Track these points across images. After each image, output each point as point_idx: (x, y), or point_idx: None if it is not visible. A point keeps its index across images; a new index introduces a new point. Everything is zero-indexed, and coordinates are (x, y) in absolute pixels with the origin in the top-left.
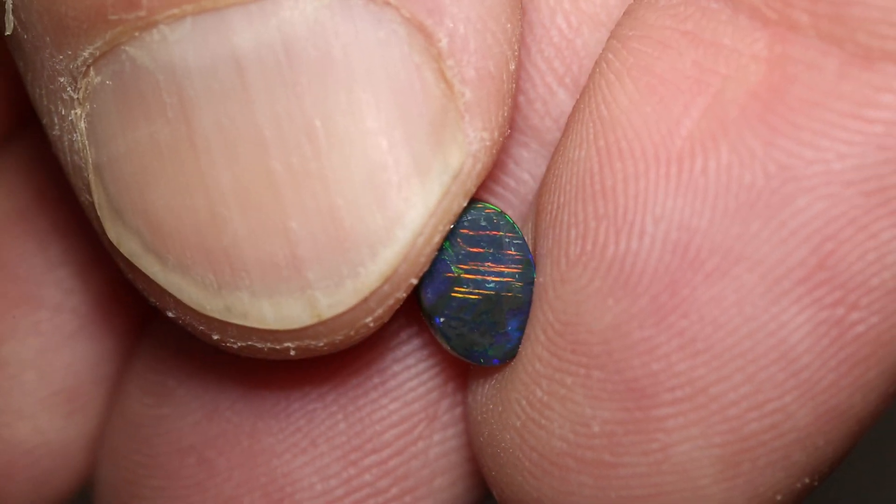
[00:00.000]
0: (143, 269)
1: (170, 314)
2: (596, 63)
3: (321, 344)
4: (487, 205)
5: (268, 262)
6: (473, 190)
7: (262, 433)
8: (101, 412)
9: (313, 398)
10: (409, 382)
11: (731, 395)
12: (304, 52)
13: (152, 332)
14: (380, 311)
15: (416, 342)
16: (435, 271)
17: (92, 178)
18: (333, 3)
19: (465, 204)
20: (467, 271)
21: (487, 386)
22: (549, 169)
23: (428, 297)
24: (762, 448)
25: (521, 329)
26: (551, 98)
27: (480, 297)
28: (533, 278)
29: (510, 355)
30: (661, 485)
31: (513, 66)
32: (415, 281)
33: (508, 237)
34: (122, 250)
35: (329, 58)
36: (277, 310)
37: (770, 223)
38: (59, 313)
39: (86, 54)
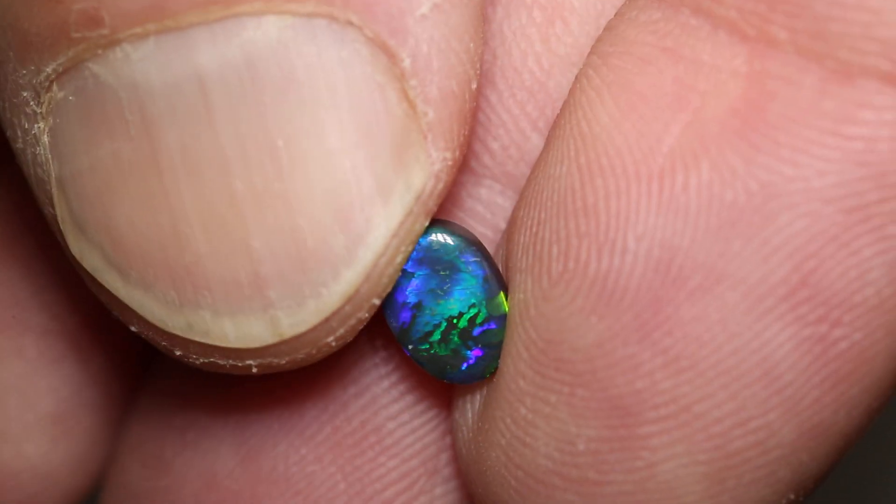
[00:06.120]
0: (105, 285)
1: (133, 328)
2: (576, 79)
3: (283, 362)
4: (434, 229)
5: (230, 281)
6: (434, 209)
7: (262, 498)
8: (87, 436)
9: (310, 461)
10: (405, 439)
11: (715, 413)
12: (267, 72)
13: (144, 400)
14: (342, 331)
15: (408, 399)
16: (394, 302)
17: (55, 191)
18: (296, 23)
19: (426, 223)
20: (426, 297)
21: (472, 404)
22: (528, 183)
23: (393, 327)
24: (747, 465)
25: (492, 344)
26: (525, 143)
27: (443, 320)
28: (494, 293)
29: (489, 370)
30: (647, 502)
31: (474, 85)
32: (377, 302)
33: (463, 259)
34: (84, 265)
35: (292, 78)
36: (239, 328)
37: (752, 241)
38: (45, 337)
39: (49, 70)
